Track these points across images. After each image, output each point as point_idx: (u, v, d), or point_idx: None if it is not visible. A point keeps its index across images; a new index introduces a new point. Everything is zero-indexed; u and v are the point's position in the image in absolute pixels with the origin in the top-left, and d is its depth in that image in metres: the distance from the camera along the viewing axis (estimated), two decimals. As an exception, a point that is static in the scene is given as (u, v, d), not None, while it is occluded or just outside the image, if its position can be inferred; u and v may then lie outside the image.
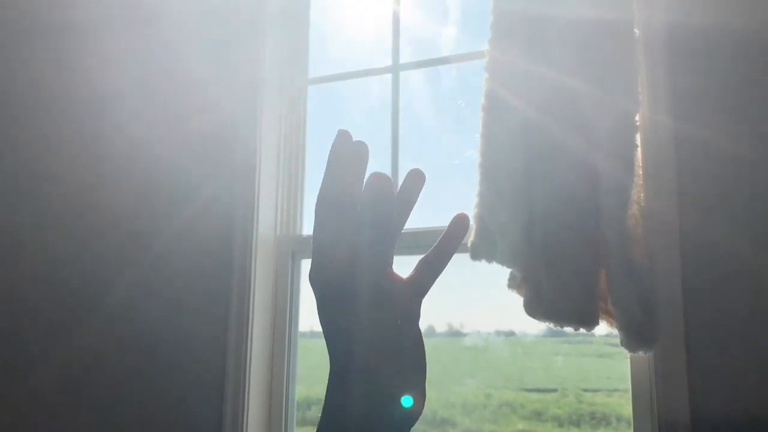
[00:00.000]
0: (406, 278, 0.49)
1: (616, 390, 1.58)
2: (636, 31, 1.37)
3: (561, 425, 1.72)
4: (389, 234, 0.46)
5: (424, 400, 0.47)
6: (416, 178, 0.50)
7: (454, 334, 1.73)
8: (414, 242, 1.64)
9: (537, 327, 1.68)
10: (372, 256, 0.46)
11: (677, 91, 1.38)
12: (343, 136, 0.47)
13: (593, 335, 1.64)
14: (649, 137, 1.35)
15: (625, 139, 1.30)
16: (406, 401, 0.45)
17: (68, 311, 1.88)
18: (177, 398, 1.72)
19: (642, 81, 1.36)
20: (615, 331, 1.30)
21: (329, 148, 0.47)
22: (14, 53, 2.11)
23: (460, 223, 0.50)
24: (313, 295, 0.48)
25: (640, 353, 1.28)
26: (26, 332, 1.92)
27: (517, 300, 1.37)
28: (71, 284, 1.89)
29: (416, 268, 0.50)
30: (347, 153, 0.46)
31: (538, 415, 1.75)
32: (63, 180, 1.96)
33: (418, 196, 0.50)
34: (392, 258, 0.49)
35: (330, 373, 0.47)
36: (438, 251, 0.50)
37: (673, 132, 1.35)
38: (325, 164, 0.47)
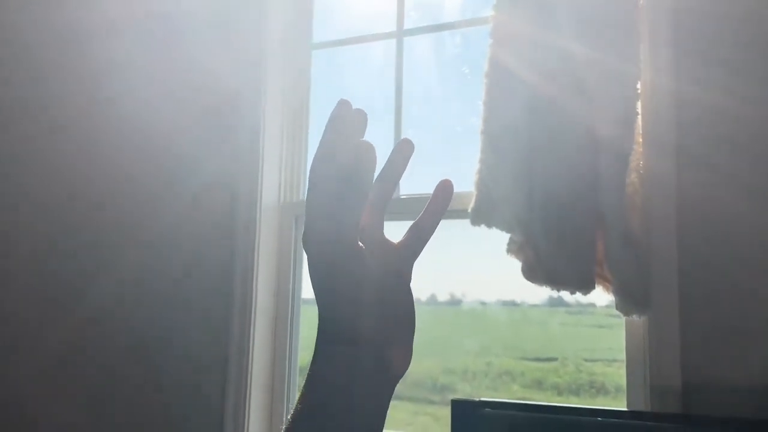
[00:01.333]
0: (398, 242, 0.51)
1: (615, 360, 1.60)
2: (641, -2, 1.37)
3: (560, 394, 1.74)
4: (362, 198, 0.46)
5: (410, 358, 0.48)
6: (404, 146, 0.52)
7: (456, 302, 1.75)
8: (420, 208, 1.65)
9: (539, 296, 1.69)
10: (346, 219, 0.46)
11: (679, 55, 1.36)
12: (342, 105, 0.48)
13: (594, 305, 1.66)
14: (651, 101, 1.35)
15: (626, 107, 1.30)
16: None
17: (79, 274, 1.89)
18: (183, 363, 1.74)
19: (644, 45, 1.36)
20: (611, 296, 1.31)
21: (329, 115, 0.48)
22: (7, 23, 2.09)
23: (444, 187, 0.52)
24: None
25: (634, 317, 1.30)
26: (13, 328, 1.93)
27: (518, 269, 1.38)
28: (70, 264, 1.90)
29: (407, 233, 0.52)
30: (345, 118, 0.47)
31: (538, 384, 1.77)
32: (60, 158, 1.96)
33: (405, 163, 0.52)
34: (375, 222, 0.51)
35: (317, 334, 0.48)
36: (426, 216, 0.52)
37: (674, 96, 1.34)
38: (323, 129, 0.48)
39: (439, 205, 0.52)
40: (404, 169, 0.52)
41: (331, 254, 0.46)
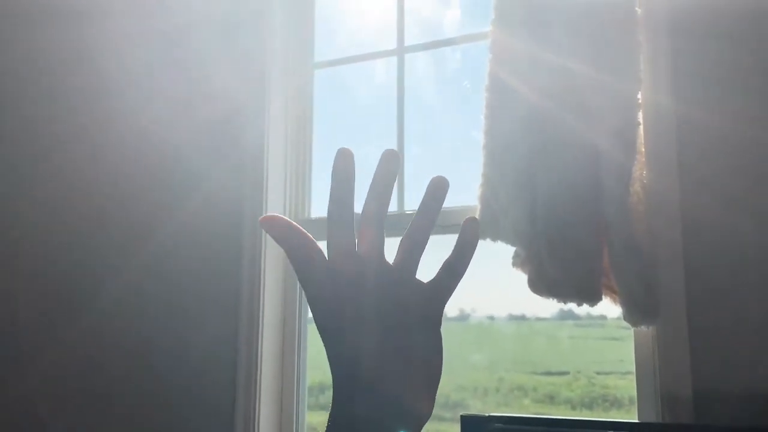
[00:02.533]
0: (427, 282, 0.47)
1: (628, 372, 1.58)
2: (637, 9, 1.37)
3: (573, 408, 1.73)
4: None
5: (433, 405, 0.46)
6: (437, 186, 0.49)
7: (465, 318, 1.74)
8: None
9: (549, 311, 1.68)
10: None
11: (678, 70, 1.37)
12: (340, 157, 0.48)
13: (605, 317, 1.64)
14: (651, 117, 1.35)
15: (626, 118, 1.31)
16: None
17: (75, 299, 1.90)
18: (190, 383, 1.74)
19: (644, 60, 1.36)
20: (618, 307, 1.30)
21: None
22: (16, 40, 2.12)
23: (470, 226, 0.49)
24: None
25: (643, 328, 1.29)
26: (23, 329, 1.94)
27: (525, 283, 1.37)
28: (76, 274, 1.91)
29: (438, 272, 0.48)
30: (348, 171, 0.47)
31: (550, 398, 1.75)
32: (67, 169, 1.97)
33: (440, 204, 0.49)
34: (408, 263, 0.48)
35: (333, 381, 0.45)
36: (457, 254, 0.48)
37: (674, 111, 1.35)
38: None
39: (468, 243, 0.48)
40: (438, 212, 0.49)
41: (349, 294, 0.45)
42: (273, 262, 1.74)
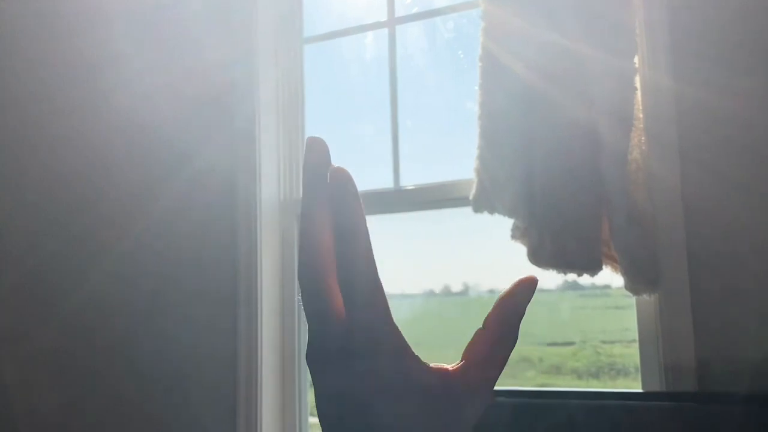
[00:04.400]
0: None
1: (634, 341, 1.58)
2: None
3: (580, 378, 1.73)
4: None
5: None
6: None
7: (469, 291, 1.73)
8: (420, 198, 1.64)
9: (553, 282, 1.68)
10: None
11: (676, 47, 1.34)
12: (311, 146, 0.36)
13: (609, 287, 1.63)
14: (649, 94, 1.33)
15: (621, 87, 1.28)
16: None
17: (66, 278, 1.89)
18: (188, 379, 1.73)
19: (640, 37, 1.34)
20: (620, 276, 1.29)
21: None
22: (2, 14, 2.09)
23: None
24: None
25: (644, 296, 1.28)
26: (17, 329, 1.93)
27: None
28: (71, 245, 1.89)
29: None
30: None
31: (557, 369, 1.75)
32: (56, 149, 1.95)
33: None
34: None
35: None
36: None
37: (672, 87, 1.33)
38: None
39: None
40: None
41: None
42: (269, 243, 1.73)
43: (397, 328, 0.34)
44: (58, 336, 1.87)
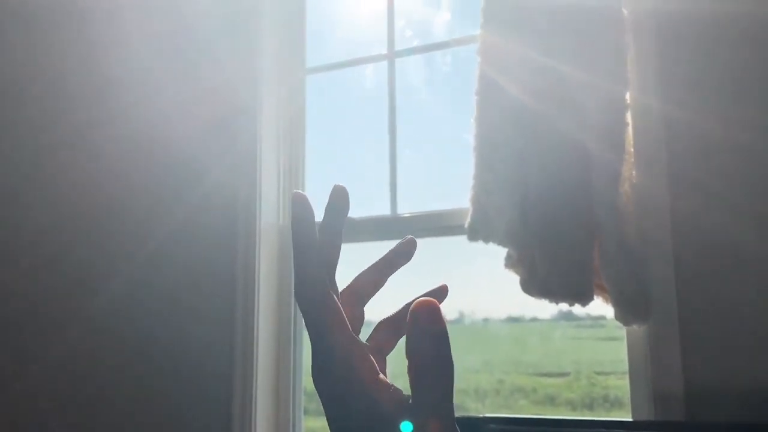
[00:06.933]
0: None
1: (627, 372, 1.59)
2: (624, 11, 1.38)
3: (574, 409, 1.73)
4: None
5: None
6: (407, 245, 0.45)
7: (464, 320, 1.74)
8: (417, 225, 1.67)
9: (547, 312, 1.69)
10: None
11: (666, 71, 1.37)
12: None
13: (604, 318, 1.64)
14: (639, 119, 1.36)
15: (614, 118, 1.31)
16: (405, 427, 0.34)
17: (68, 303, 1.90)
18: (185, 389, 1.74)
19: (631, 62, 1.36)
20: (610, 307, 1.31)
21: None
22: (18, 38, 2.13)
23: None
24: None
25: (634, 327, 1.29)
26: (18, 330, 1.95)
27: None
28: (70, 276, 1.91)
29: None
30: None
31: (551, 400, 1.75)
32: (61, 169, 1.98)
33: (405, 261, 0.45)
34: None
35: None
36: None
37: (662, 113, 1.35)
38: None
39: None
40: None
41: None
42: (268, 265, 1.75)
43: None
44: (75, 337, 1.89)
